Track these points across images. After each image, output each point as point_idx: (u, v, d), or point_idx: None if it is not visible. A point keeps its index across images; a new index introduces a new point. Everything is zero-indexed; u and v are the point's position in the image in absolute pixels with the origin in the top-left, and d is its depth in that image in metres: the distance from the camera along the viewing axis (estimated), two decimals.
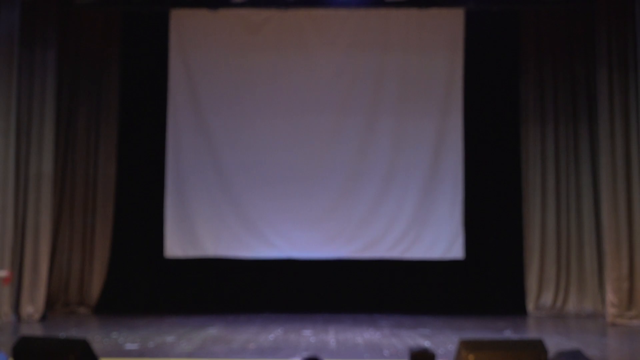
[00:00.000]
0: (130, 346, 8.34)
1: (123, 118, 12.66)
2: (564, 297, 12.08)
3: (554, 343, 8.45)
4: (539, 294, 12.11)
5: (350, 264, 12.36)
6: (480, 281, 12.51)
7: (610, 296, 10.90)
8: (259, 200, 12.38)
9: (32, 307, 11.06)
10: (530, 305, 12.08)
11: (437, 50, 12.44)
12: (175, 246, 12.36)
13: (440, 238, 12.27)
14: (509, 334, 9.73)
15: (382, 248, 12.28)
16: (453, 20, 12.38)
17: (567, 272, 12.13)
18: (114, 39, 12.68)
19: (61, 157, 12.33)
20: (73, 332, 9.58)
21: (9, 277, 8.83)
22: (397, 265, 12.35)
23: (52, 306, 11.93)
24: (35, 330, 9.98)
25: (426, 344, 8.42)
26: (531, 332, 10.05)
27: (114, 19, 12.67)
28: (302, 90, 12.49)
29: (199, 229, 12.41)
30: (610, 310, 10.85)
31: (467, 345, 5.46)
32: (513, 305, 12.20)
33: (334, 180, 12.39)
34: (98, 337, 8.97)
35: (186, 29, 12.56)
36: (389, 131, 12.42)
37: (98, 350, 7.10)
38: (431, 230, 12.27)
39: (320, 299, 12.32)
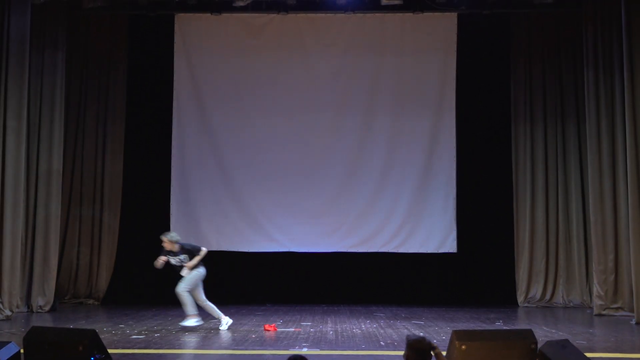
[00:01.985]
0: (137, 337, 8.34)
1: (130, 117, 12.66)
2: (553, 290, 12.10)
3: (543, 333, 8.47)
4: (529, 286, 12.13)
5: (347, 258, 12.37)
6: (473, 274, 12.52)
7: (596, 288, 10.92)
8: (260, 197, 12.40)
9: (43, 299, 11.07)
10: (520, 298, 12.10)
11: (431, 52, 12.44)
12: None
13: (434, 233, 12.28)
14: (500, 324, 9.73)
15: (379, 242, 12.29)
16: (446, 24, 12.37)
17: (555, 266, 12.15)
18: (121, 41, 12.68)
19: (70, 154, 12.34)
20: (82, 323, 9.57)
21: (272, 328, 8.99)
22: (393, 258, 12.35)
23: (62, 298, 11.94)
24: (45, 321, 9.97)
25: (421, 334, 8.42)
26: (521, 323, 10.05)
27: (121, 22, 12.67)
28: (301, 90, 12.49)
29: (203, 224, 12.41)
30: (597, 302, 10.87)
31: (459, 336, 5.46)
32: (504, 297, 12.22)
33: (332, 177, 12.40)
34: (106, 328, 8.97)
35: (190, 32, 12.56)
36: (384, 130, 12.43)
37: (106, 340, 7.11)
38: (425, 225, 12.29)
39: (319, 292, 12.33)
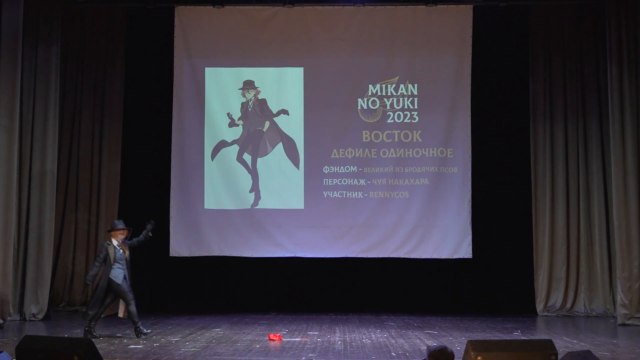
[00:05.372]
0: (135, 346, 8.35)
1: (127, 115, 12.70)
2: (574, 298, 12.07)
3: (563, 344, 8.45)
4: (549, 294, 12.10)
5: (357, 264, 12.36)
6: (489, 281, 12.50)
7: (620, 296, 10.87)
8: (264, 198, 12.40)
9: (36, 307, 11.10)
10: (539, 306, 12.06)
11: (445, 47, 12.42)
12: (179, 245, 12.38)
13: (448, 238, 12.25)
14: (518, 334, 9.71)
15: (389, 248, 12.27)
16: (461, 16, 12.36)
17: (577, 272, 12.11)
18: (118, 35, 12.72)
19: (65, 154, 12.39)
20: (77, 332, 9.60)
21: (277, 337, 9.01)
22: (405, 265, 12.34)
23: (56, 306, 11.98)
24: (39, 330, 10.01)
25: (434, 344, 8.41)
26: (540, 333, 10.03)
27: (118, 15, 12.72)
28: (308, 88, 12.50)
29: (204, 227, 12.41)
30: (621, 311, 10.83)
31: (475, 346, 5.45)
32: (522, 305, 12.20)
33: (341, 179, 12.39)
34: (102, 337, 8.99)
35: (191, 25, 12.59)
36: (396, 128, 12.42)
37: (102, 350, 7.12)
38: (439, 230, 12.25)
39: (326, 299, 12.34)
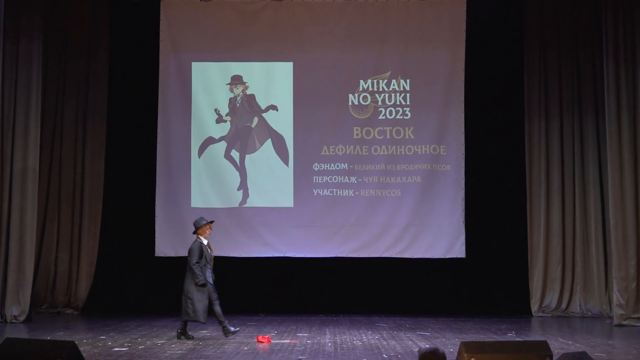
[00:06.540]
0: (119, 349, 8.33)
1: (112, 112, 12.66)
2: (569, 298, 12.12)
3: (558, 345, 8.47)
4: (543, 294, 12.14)
5: (348, 264, 12.37)
6: (483, 281, 12.53)
7: (616, 297, 10.91)
8: (252, 197, 12.39)
9: (17, 309, 11.03)
10: (534, 307, 12.10)
11: (438, 41, 12.44)
12: (165, 245, 12.34)
13: (441, 237, 12.27)
14: (512, 336, 9.73)
15: (381, 247, 12.28)
16: (454, 11, 12.38)
17: (572, 272, 12.16)
18: (102, 30, 12.68)
19: (47, 152, 12.32)
20: (60, 335, 9.55)
21: (265, 339, 8.96)
22: (397, 264, 12.36)
23: (38, 307, 11.92)
24: (20, 332, 9.95)
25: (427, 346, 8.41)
26: (535, 334, 10.06)
27: (102, 8, 12.68)
28: (297, 83, 12.48)
29: (190, 227, 12.34)
30: (617, 311, 10.87)
31: (468, 347, 5.46)
32: (516, 306, 12.26)
33: (331, 177, 12.39)
34: (86, 340, 8.96)
35: (177, 19, 12.56)
36: (388, 125, 12.42)
37: (86, 353, 7.09)
38: (432, 229, 12.27)
39: (316, 300, 12.34)
